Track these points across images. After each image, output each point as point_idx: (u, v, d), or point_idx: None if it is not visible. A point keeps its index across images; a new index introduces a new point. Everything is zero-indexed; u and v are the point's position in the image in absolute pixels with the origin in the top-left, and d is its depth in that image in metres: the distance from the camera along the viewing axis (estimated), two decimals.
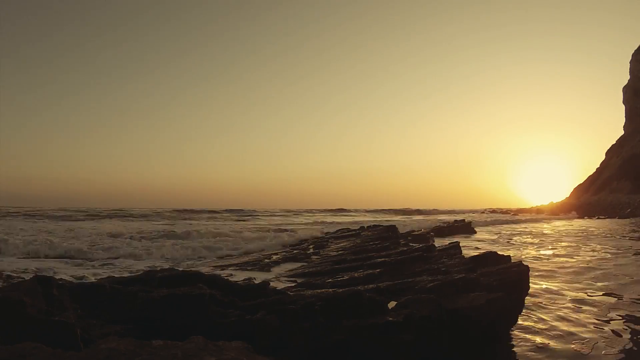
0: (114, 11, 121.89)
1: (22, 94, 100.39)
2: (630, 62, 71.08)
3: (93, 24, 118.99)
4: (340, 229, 19.21)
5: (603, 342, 4.37)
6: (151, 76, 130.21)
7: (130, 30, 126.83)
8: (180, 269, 6.21)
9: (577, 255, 11.21)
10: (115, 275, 6.91)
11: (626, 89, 71.85)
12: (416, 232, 17.72)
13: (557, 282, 7.46)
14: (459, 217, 30.49)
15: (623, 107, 72.85)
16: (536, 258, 10.83)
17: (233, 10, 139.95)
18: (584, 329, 4.81)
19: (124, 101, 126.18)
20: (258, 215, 46.16)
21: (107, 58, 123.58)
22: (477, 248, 13.52)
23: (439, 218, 37.49)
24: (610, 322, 5.08)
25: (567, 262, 10.01)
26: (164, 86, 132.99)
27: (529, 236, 19.11)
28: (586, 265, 9.36)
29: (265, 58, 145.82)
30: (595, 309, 5.62)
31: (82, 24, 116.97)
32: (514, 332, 4.70)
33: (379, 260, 7.81)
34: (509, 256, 5.91)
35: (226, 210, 51.63)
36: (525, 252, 12.35)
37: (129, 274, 6.82)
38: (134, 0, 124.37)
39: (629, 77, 71.44)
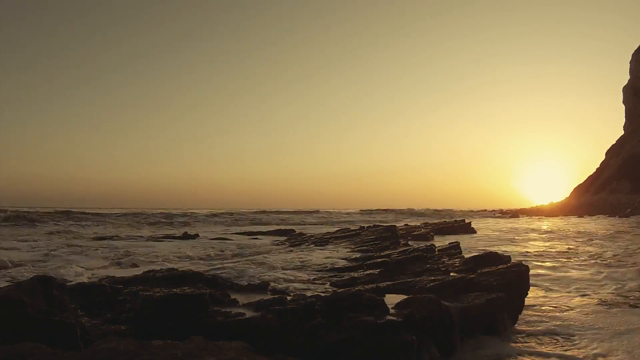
0: (113, 10, 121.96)
1: (18, 92, 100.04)
2: (630, 62, 71.09)
3: (91, 22, 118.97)
4: (340, 229, 19.20)
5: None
6: (151, 75, 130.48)
7: (129, 29, 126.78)
8: (181, 269, 6.21)
9: (577, 255, 11.20)
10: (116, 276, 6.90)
11: (626, 89, 71.84)
12: (416, 232, 17.70)
13: (556, 281, 7.46)
14: (458, 218, 30.46)
15: (623, 107, 72.88)
16: (536, 258, 10.83)
17: (234, 9, 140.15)
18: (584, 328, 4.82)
19: (123, 100, 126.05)
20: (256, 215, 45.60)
21: (105, 57, 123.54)
22: (477, 248, 13.50)
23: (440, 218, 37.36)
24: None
25: (567, 260, 10.00)
26: (163, 86, 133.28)
27: (528, 236, 19.10)
28: (589, 264, 9.35)
29: (267, 57, 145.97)
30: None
31: (80, 22, 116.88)
32: (514, 331, 4.70)
33: (379, 260, 7.80)
34: (509, 256, 5.91)
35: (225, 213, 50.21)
36: (525, 252, 12.34)
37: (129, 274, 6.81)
38: (134, 0, 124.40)
39: (629, 77, 71.47)
